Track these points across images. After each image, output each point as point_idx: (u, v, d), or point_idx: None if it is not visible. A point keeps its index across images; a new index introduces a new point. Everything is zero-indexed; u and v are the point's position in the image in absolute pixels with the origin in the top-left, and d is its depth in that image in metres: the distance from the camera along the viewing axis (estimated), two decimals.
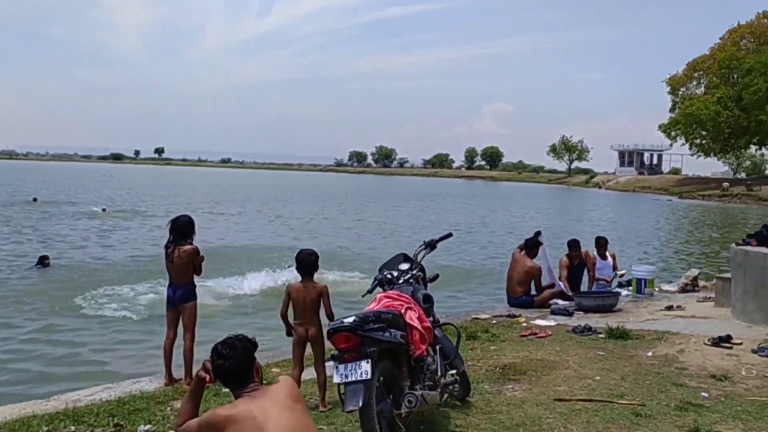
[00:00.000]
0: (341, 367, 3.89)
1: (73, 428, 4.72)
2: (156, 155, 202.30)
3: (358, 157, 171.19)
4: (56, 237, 19.41)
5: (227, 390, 3.29)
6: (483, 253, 18.65)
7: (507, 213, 37.18)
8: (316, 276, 5.15)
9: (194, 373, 5.68)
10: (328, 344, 4.54)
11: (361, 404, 3.73)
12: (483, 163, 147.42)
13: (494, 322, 8.31)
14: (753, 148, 68.46)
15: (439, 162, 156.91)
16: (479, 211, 38.36)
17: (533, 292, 9.49)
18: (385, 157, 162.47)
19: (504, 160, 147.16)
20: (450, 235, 5.66)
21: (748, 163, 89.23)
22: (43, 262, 13.40)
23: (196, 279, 5.88)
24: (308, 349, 5.23)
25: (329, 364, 4.42)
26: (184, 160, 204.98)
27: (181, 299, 5.72)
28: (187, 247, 5.67)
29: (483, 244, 21.22)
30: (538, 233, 9.79)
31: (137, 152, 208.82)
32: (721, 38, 65.57)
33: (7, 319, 9.50)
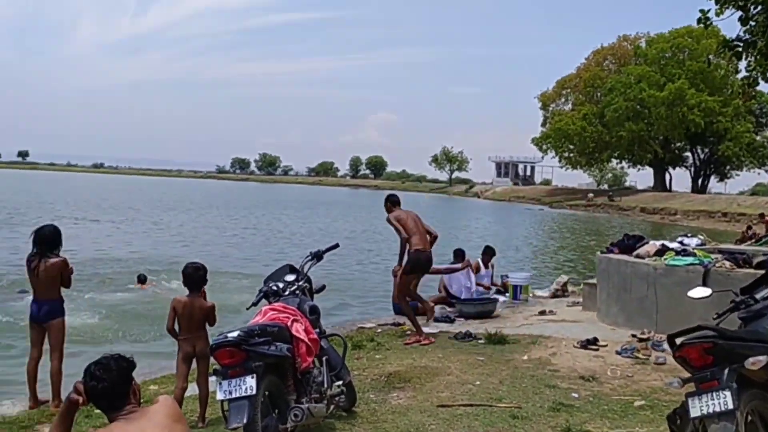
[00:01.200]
0: (225, 383, 3.78)
1: None
2: (20, 159, 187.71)
3: (241, 164, 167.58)
4: None
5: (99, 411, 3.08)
6: (368, 262, 18.83)
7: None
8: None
9: (63, 394, 5.32)
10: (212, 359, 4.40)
11: (245, 421, 3.64)
12: (367, 172, 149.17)
13: (379, 330, 8.40)
14: (614, 162, 74.01)
15: (324, 170, 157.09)
16: (366, 219, 38.73)
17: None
18: (269, 164, 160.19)
19: (388, 169, 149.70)
20: (337, 245, 5.67)
21: (609, 175, 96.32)
22: None
23: (65, 293, 5.50)
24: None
25: (212, 379, 4.28)
26: (52, 164, 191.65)
27: (47, 316, 5.32)
28: (55, 259, 5.29)
29: (367, 252, 21.43)
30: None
31: None
32: (586, 59, 70.40)
33: None
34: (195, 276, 4.90)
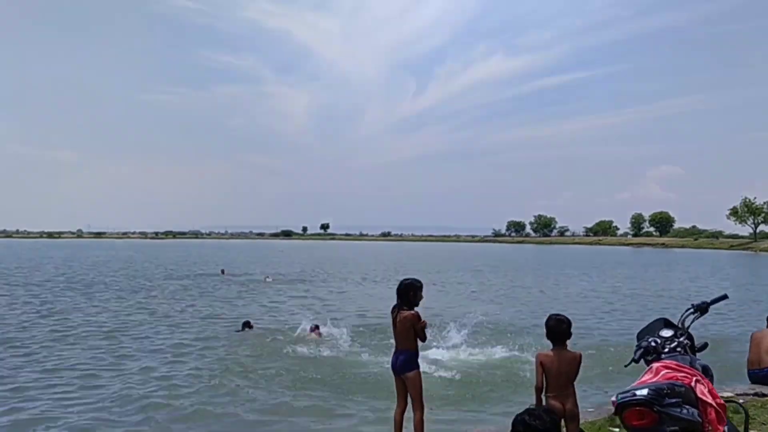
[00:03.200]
0: None
1: None
2: (322, 231, 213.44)
3: (516, 227, 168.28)
4: (254, 304, 20.62)
5: None
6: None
7: (695, 280, 34.01)
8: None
9: None
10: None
11: None
12: (651, 229, 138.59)
13: (741, 401, 7.15)
14: None
15: (602, 230, 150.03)
16: (673, 280, 35.49)
17: None
18: (544, 226, 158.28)
19: (675, 225, 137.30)
20: (725, 296, 4.91)
21: None
22: (247, 325, 14.21)
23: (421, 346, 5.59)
24: None
25: None
26: (347, 234, 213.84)
27: (402, 367, 5.43)
28: (407, 312, 5.42)
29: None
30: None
31: (305, 228, 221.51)
32: None
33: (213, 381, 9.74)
34: (558, 329, 4.61)
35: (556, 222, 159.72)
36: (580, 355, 4.61)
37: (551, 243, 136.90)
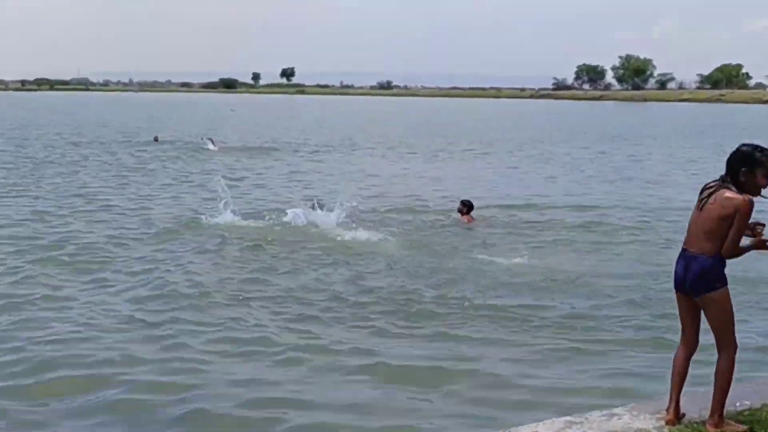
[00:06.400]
0: None
1: None
2: (284, 80, 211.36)
3: (591, 74, 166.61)
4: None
5: None
6: None
7: None
8: None
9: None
10: None
11: None
12: None
13: None
14: None
15: (726, 78, 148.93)
16: None
17: None
18: (635, 72, 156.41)
19: None
20: None
21: None
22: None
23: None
24: None
25: None
26: (324, 86, 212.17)
27: (697, 282, 4.86)
28: (731, 194, 4.77)
29: None
30: None
31: (256, 76, 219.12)
32: None
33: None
34: None
35: (653, 66, 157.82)
36: None
37: (645, 99, 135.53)
